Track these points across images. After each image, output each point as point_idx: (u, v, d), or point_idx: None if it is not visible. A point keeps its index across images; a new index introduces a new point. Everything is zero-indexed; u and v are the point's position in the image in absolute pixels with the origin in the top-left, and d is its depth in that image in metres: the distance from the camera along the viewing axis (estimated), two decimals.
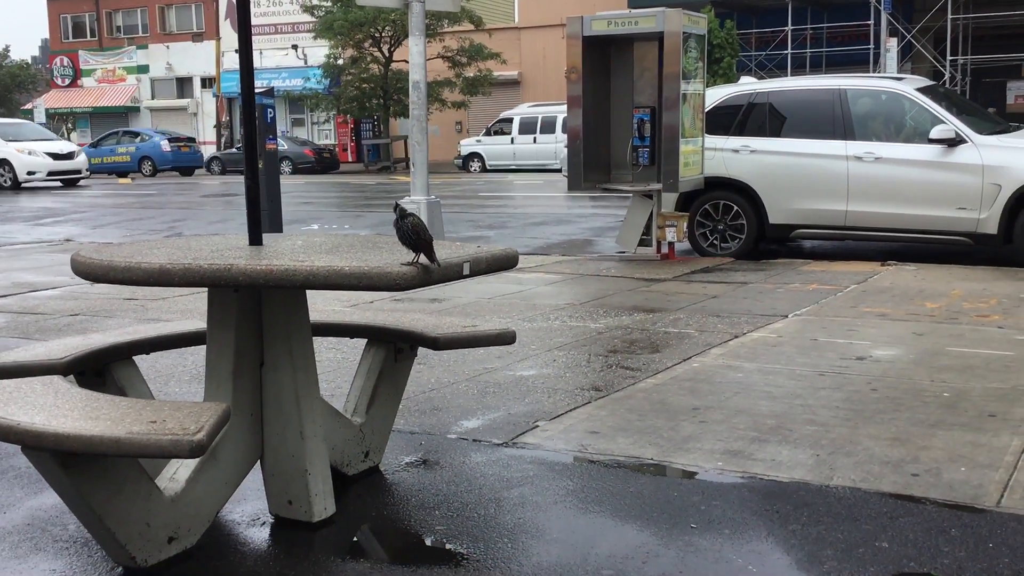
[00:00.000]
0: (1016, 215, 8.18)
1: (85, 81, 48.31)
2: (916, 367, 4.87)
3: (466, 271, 2.84)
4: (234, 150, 35.55)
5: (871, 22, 26.01)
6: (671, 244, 9.15)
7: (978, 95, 25.69)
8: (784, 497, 3.23)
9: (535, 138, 29.73)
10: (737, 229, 9.40)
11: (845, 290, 7.23)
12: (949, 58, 25.73)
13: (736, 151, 9.41)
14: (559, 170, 19.93)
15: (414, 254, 2.70)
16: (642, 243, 9.34)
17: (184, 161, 34.23)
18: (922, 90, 9.06)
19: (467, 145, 31.77)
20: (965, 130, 8.48)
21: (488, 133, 31.30)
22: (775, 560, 2.81)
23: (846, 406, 4.22)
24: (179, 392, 4.70)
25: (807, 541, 2.89)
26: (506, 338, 3.61)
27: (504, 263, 3.03)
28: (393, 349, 3.58)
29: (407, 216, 2.71)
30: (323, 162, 33.55)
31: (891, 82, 9.55)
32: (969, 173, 8.34)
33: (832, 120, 9.04)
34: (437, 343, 3.45)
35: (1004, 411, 4.08)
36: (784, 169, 9.16)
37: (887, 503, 3.16)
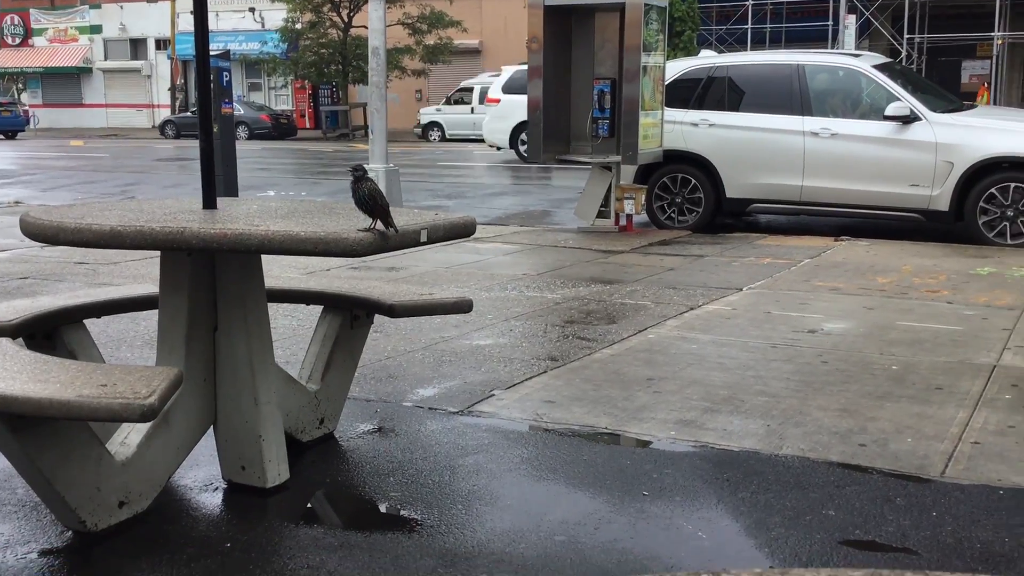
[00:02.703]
0: (967, 193, 8.32)
1: (36, 40, 47.04)
2: (866, 340, 4.96)
3: (424, 238, 2.83)
4: (188, 114, 34.96)
5: None
6: (629, 216, 9.19)
7: (934, 74, 25.99)
8: (735, 466, 3.28)
9: None
10: (695, 202, 9.46)
11: (799, 264, 7.32)
12: (906, 36, 25.99)
13: (695, 124, 9.44)
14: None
15: (371, 220, 2.68)
16: (600, 215, 9.36)
17: (6, 125, 33.76)
18: (879, 67, 9.15)
19: (427, 114, 31.51)
20: (920, 108, 8.59)
21: (448, 102, 31.06)
22: (724, 526, 2.86)
23: (797, 378, 4.29)
24: (131, 357, 4.64)
25: (756, 508, 2.95)
26: (463, 306, 3.61)
27: (462, 231, 3.02)
28: (349, 316, 3.56)
29: (366, 180, 2.69)
30: (280, 128, 33.12)
31: (848, 59, 9.63)
32: (922, 150, 8.46)
33: (789, 95, 9.10)
34: (393, 310, 3.44)
35: (950, 384, 4.17)
36: (742, 144, 9.21)
37: (835, 472, 3.22)
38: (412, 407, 3.93)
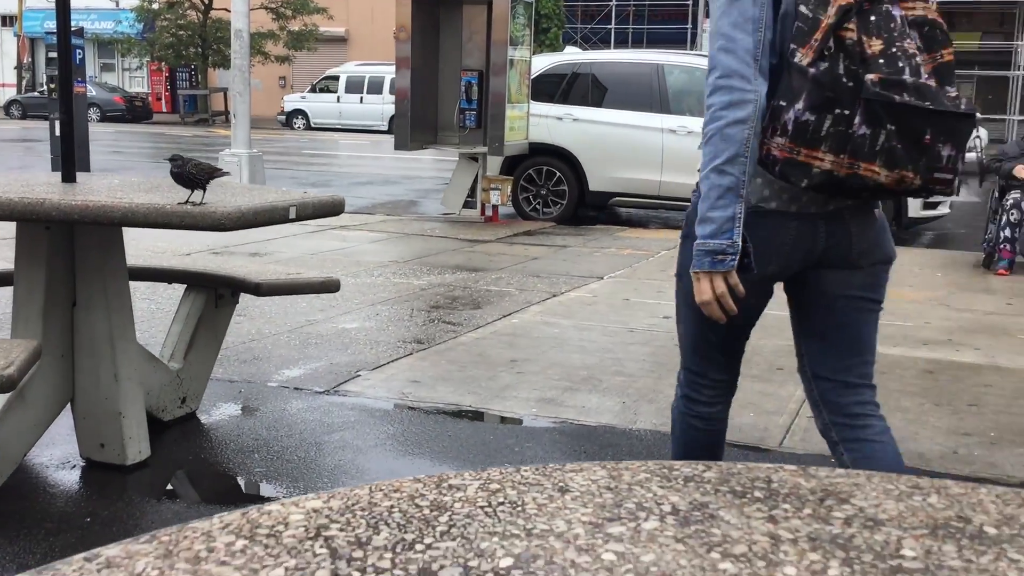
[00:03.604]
0: None
1: None
2: None
3: (292, 215, 2.85)
4: (36, 94, 33.14)
5: (690, 2, 27.08)
6: (495, 207, 9.33)
7: None
8: (592, 439, 3.44)
9: (362, 98, 29.28)
10: (559, 195, 9.69)
11: (656, 255, 7.62)
12: None
13: (560, 119, 9.66)
14: (387, 131, 19.69)
15: (200, 192, 2.66)
16: (467, 205, 9.47)
17: None
18: None
19: (291, 101, 30.91)
20: None
21: (313, 90, 30.56)
22: None
23: (652, 359, 4.50)
24: None
25: None
26: (331, 286, 3.64)
27: (330, 209, 3.05)
28: (214, 295, 3.53)
29: (186, 162, 2.66)
30: (134, 111, 31.81)
31: (705, 60, 10.03)
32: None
33: (649, 94, 9.43)
34: (259, 289, 3.43)
35: (791, 365, 4.44)
36: (604, 138, 9.49)
37: None
38: (277, 387, 3.93)
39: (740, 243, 1.86)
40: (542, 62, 10.11)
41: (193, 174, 2.62)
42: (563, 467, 0.83)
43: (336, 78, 29.63)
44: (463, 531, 0.70)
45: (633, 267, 7.04)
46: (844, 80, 1.79)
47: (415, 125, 9.32)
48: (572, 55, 10.62)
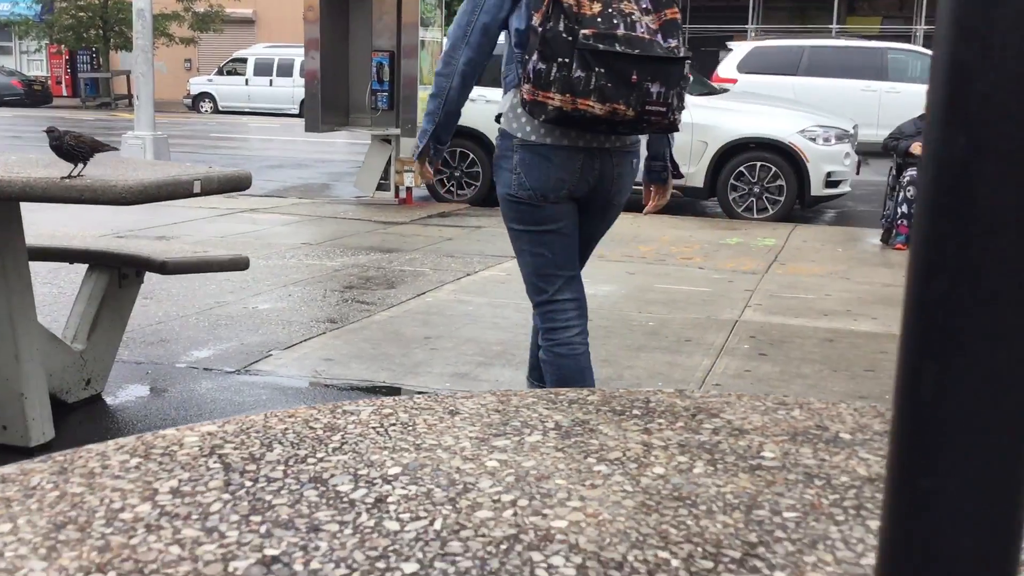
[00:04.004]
0: (719, 171, 9.03)
1: None
2: (627, 301, 5.35)
3: (197, 188, 2.82)
4: None
5: None
6: (409, 189, 9.30)
7: (696, 63, 27.74)
8: None
9: (271, 80, 28.77)
10: (473, 176, 9.70)
11: None
12: None
13: (473, 100, 9.61)
14: (297, 115, 19.37)
15: (80, 165, 2.62)
16: (380, 187, 9.42)
17: None
18: None
19: (197, 84, 30.16)
20: None
21: (221, 73, 29.89)
22: None
23: None
24: None
25: None
26: (239, 264, 3.61)
27: (237, 184, 3.03)
28: (117, 274, 3.47)
29: (63, 135, 2.61)
30: (33, 95, 30.66)
31: None
32: (680, 130, 9.08)
33: None
34: (165, 267, 3.38)
35: (698, 337, 4.59)
36: None
37: None
38: (186, 368, 3.88)
39: (426, 146, 2.67)
40: None
41: (72, 146, 2.57)
42: (454, 394, 0.87)
43: (244, 60, 29.03)
44: (355, 447, 0.73)
45: None
46: (564, 35, 2.31)
47: (326, 107, 9.22)
48: None
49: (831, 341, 4.61)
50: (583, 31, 2.28)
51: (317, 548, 0.57)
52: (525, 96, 2.41)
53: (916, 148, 7.42)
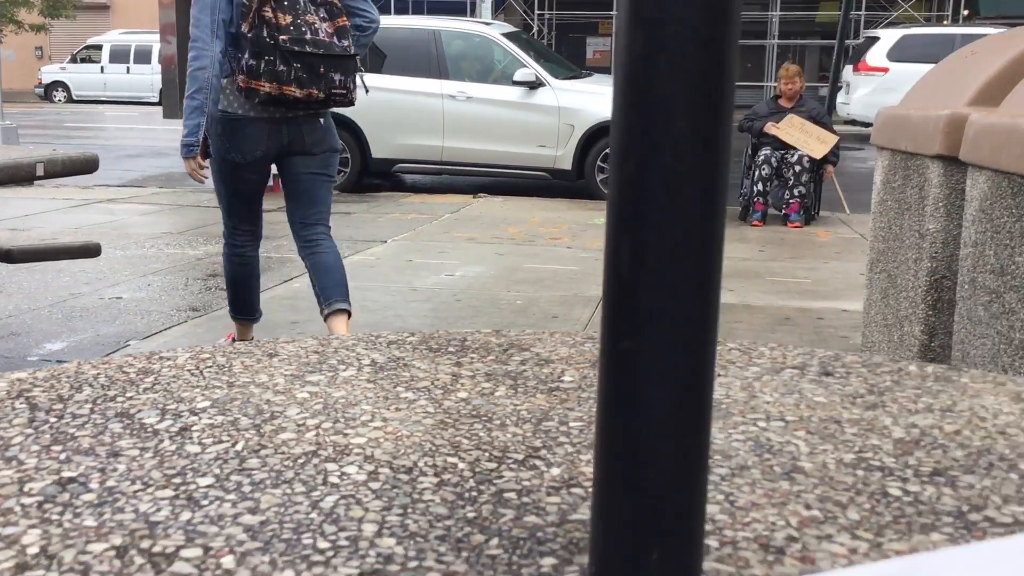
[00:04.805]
0: (587, 153, 9.20)
1: None
2: (496, 281, 5.42)
3: (40, 171, 2.73)
4: None
5: None
6: (275, 176, 9.13)
7: (563, 49, 28.07)
8: None
9: (128, 68, 27.70)
10: (342, 163, 9.58)
11: (440, 219, 7.74)
12: (537, 12, 27.85)
13: None
14: (157, 103, 18.74)
15: None
16: None
17: None
18: (507, 35, 9.82)
19: (49, 72, 28.78)
20: (544, 74, 9.34)
21: (74, 60, 28.59)
22: None
23: (433, 314, 4.61)
24: None
25: None
26: (91, 250, 3.50)
27: (83, 166, 2.94)
28: None
29: None
30: None
31: (481, 26, 10.22)
32: (548, 114, 9.22)
33: (428, 60, 9.50)
34: (10, 255, 3.26)
35: (565, 313, 4.70)
36: (385, 105, 9.48)
37: None
38: (38, 361, 3.74)
39: (201, 140, 3.32)
40: None
41: None
42: (276, 340, 0.89)
43: (99, 47, 27.86)
44: (166, 387, 0.74)
45: (417, 230, 7.13)
46: (267, 40, 3.09)
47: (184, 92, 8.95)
48: None
49: None
50: (281, 36, 3.07)
51: (115, 470, 0.59)
52: (240, 84, 3.16)
53: (770, 128, 7.75)
